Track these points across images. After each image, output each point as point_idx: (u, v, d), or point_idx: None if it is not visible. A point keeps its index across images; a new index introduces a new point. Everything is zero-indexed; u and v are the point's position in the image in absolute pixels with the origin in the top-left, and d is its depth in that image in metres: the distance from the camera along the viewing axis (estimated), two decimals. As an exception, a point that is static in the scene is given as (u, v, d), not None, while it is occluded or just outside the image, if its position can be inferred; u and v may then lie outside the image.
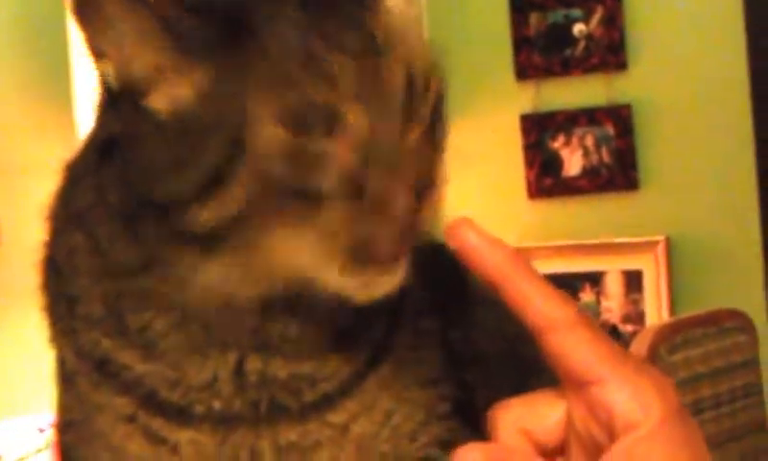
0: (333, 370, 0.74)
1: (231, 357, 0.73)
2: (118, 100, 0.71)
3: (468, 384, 0.78)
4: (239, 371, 0.73)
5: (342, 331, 0.74)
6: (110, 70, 0.70)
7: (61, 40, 2.84)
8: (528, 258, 0.68)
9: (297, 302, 0.71)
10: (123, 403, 0.74)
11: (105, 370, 0.75)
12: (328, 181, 0.67)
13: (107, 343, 0.74)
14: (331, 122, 0.67)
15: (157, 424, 0.74)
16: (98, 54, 0.70)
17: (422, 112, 0.71)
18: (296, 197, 0.67)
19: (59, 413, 0.79)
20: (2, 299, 2.84)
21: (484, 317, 0.81)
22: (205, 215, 0.67)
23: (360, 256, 0.68)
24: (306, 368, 0.73)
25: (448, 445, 0.74)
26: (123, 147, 0.71)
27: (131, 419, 0.74)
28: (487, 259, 0.66)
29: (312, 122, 0.67)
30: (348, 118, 0.67)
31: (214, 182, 0.67)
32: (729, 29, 2.94)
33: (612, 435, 0.63)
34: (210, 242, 0.68)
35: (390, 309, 0.75)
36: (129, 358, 0.74)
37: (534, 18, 3.07)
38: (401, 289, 0.72)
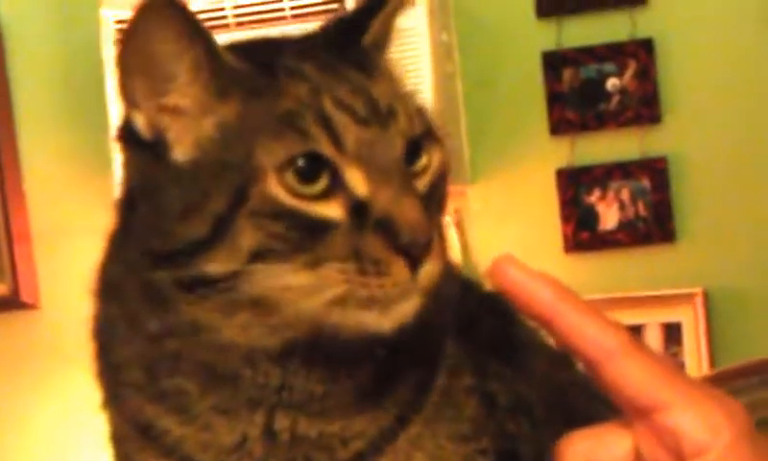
0: (362, 428, 0.74)
1: (259, 417, 0.74)
2: (140, 153, 0.73)
3: (511, 434, 0.77)
4: (269, 431, 0.74)
5: (366, 391, 0.75)
6: (142, 120, 0.72)
7: (101, 110, 2.90)
8: (573, 290, 0.66)
9: (317, 355, 0.72)
10: None
11: (148, 434, 0.76)
12: (327, 242, 0.68)
13: (149, 409, 0.76)
14: (332, 178, 0.69)
15: None
16: (132, 103, 0.72)
17: (419, 183, 0.72)
18: (299, 248, 0.68)
19: None
20: (44, 360, 2.89)
21: (531, 364, 0.81)
22: (214, 267, 0.68)
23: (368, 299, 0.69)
24: (335, 427, 0.74)
25: None
26: (140, 200, 0.73)
27: None
28: (534, 296, 0.65)
29: (314, 175, 0.69)
30: (348, 178, 0.69)
31: (218, 231, 0.68)
32: (763, 80, 2.94)
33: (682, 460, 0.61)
34: (226, 296, 0.69)
35: (419, 370, 0.76)
36: (168, 423, 0.76)
37: (567, 74, 3.09)
38: (429, 352, 0.73)
